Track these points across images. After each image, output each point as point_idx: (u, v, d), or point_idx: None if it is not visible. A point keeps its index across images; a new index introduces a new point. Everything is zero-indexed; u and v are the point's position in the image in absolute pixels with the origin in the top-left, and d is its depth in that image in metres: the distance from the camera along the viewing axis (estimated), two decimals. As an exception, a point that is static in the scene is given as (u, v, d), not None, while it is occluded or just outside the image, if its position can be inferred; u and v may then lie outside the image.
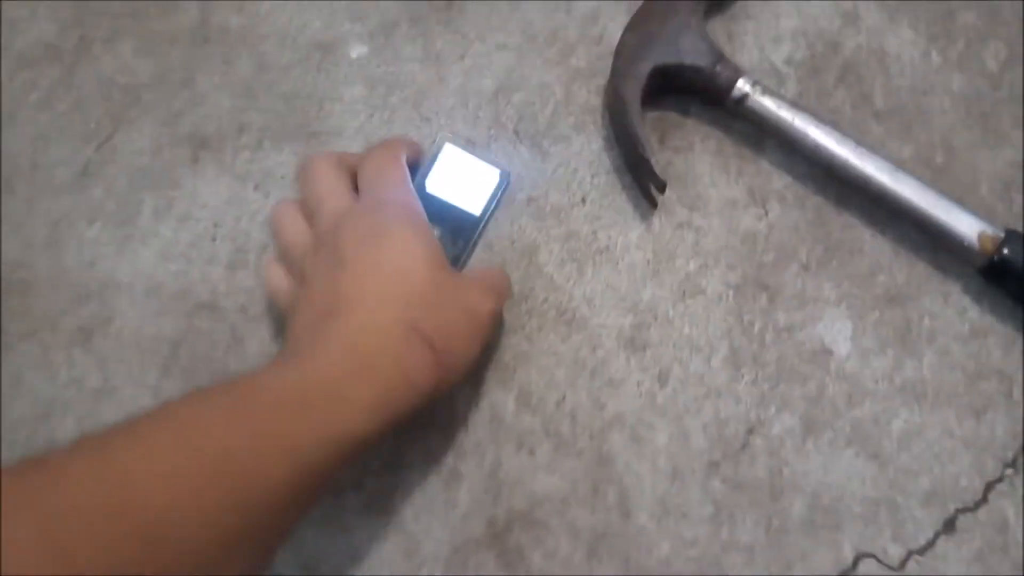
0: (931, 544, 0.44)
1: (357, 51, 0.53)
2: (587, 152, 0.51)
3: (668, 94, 0.51)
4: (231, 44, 0.52)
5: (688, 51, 0.49)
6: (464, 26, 0.53)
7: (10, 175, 0.49)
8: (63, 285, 0.46)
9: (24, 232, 0.48)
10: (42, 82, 0.51)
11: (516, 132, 0.51)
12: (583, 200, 0.50)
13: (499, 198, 0.49)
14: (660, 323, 0.48)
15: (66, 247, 0.47)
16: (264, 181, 0.49)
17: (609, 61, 0.51)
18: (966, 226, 0.47)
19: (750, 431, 0.46)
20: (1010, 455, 0.45)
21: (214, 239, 0.48)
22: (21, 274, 0.47)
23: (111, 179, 0.49)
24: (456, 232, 0.47)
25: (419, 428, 0.45)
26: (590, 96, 0.52)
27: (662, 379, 0.47)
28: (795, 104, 0.49)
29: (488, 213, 0.48)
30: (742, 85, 0.48)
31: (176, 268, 0.47)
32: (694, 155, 0.51)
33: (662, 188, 0.48)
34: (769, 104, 0.48)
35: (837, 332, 0.48)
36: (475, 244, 0.48)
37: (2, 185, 0.49)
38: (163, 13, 0.53)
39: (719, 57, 0.49)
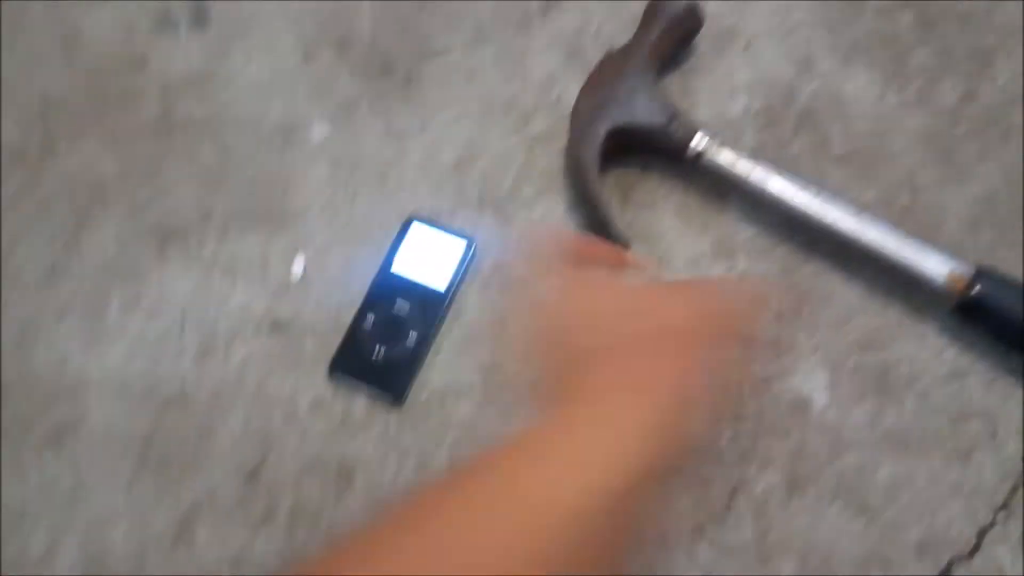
0: (926, 599, 0.43)
1: (319, 132, 0.54)
2: (552, 216, 0.52)
3: (629, 152, 0.53)
4: (195, 134, 0.54)
5: (642, 111, 0.51)
6: (423, 101, 0.55)
7: (-21, 278, 0.50)
8: (34, 387, 0.47)
9: (-6, 335, 0.49)
10: (8, 185, 0.53)
11: (480, 200, 0.52)
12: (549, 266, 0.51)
13: (466, 268, 0.50)
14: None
15: (36, 348, 0.48)
16: (231, 267, 0.51)
17: (567, 124, 0.52)
18: (935, 266, 0.47)
19: (734, 491, 0.46)
20: (1000, 498, 0.45)
21: (182, 331, 0.49)
22: (-9, 379, 0.48)
23: (79, 276, 0.50)
24: (424, 308, 0.48)
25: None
26: (551, 160, 0.53)
27: (640, 442, 0.47)
28: (754, 156, 0.50)
29: (455, 286, 0.49)
30: (698, 141, 0.49)
31: (145, 363, 0.48)
32: (658, 211, 0.52)
33: (626, 248, 0.49)
34: (726, 158, 0.50)
35: (814, 382, 0.48)
36: (444, 317, 0.49)
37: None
38: (125, 108, 0.55)
39: (674, 114, 0.51)
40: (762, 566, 0.44)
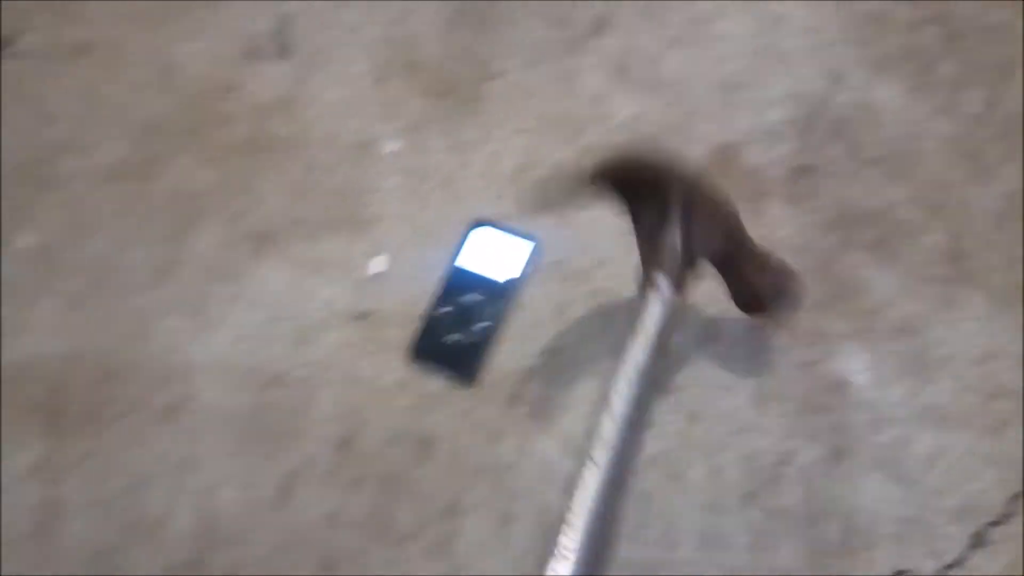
0: (964, 558, 0.52)
1: (391, 147, 0.67)
2: (604, 218, 0.63)
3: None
4: (282, 150, 0.67)
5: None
6: (485, 117, 0.68)
7: (96, 278, 0.63)
8: (149, 370, 0.59)
9: (112, 326, 0.61)
10: (119, 195, 0.66)
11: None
12: (604, 261, 0.62)
13: (528, 265, 0.61)
14: (687, 366, 0.58)
15: (149, 337, 0.60)
16: (318, 267, 0.63)
17: (615, 137, 0.64)
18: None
19: (781, 462, 0.55)
20: (1032, 468, 0.54)
21: (277, 321, 0.60)
22: (112, 363, 0.60)
23: (184, 275, 0.63)
24: (492, 299, 0.60)
25: (473, 476, 0.55)
26: (604, 167, 0.65)
27: (692, 418, 0.57)
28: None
29: (518, 279, 0.61)
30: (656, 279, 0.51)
31: (247, 348, 0.59)
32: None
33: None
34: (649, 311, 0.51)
35: (855, 364, 0.58)
36: (509, 307, 0.60)
37: (91, 287, 0.63)
38: (219, 128, 0.68)
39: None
40: (810, 528, 0.53)
